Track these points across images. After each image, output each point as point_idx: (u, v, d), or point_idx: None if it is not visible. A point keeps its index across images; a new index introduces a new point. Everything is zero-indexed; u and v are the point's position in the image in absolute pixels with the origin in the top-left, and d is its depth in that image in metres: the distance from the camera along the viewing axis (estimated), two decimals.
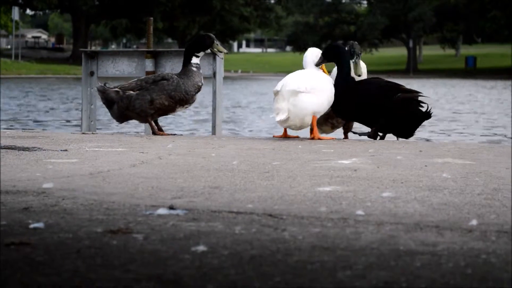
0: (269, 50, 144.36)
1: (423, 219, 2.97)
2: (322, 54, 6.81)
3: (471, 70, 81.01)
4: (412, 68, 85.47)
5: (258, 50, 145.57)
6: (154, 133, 7.02)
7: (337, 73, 6.78)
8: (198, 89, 6.97)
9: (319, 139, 6.59)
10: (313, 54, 6.90)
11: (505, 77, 68.91)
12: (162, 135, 6.95)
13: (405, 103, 6.58)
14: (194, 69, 6.95)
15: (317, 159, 4.95)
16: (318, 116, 6.64)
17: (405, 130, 6.73)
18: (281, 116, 6.43)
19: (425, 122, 6.82)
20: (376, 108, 6.58)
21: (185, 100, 6.92)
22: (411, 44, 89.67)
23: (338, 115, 6.90)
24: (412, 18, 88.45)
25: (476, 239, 2.67)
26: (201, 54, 7.02)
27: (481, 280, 2.15)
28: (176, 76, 6.93)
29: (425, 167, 4.53)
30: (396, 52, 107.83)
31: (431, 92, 32.59)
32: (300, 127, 6.69)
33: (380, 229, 2.80)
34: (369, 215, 3.05)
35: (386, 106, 6.56)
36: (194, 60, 6.98)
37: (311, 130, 6.70)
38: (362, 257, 2.39)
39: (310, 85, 6.51)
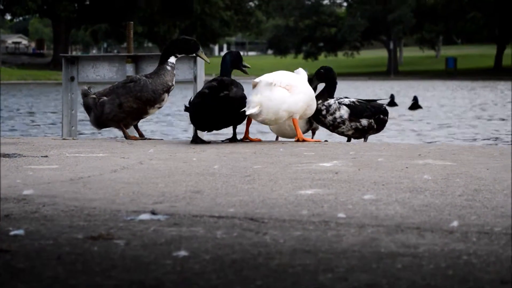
0: (250, 53, 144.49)
1: (404, 221, 2.98)
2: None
3: (451, 71, 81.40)
4: (393, 70, 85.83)
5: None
6: (126, 137, 6.95)
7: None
8: (167, 89, 6.81)
9: (304, 140, 6.59)
10: (301, 73, 6.94)
11: (486, 77, 69.32)
12: (135, 139, 6.86)
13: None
14: (169, 68, 6.82)
15: (299, 162, 4.96)
16: (297, 117, 6.61)
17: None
18: (252, 110, 6.28)
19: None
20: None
21: (153, 100, 6.77)
22: (391, 46, 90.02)
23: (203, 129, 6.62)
24: (392, 20, 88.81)
25: (457, 240, 2.68)
26: (181, 56, 6.93)
27: (462, 281, 2.16)
28: (144, 77, 6.82)
29: (406, 169, 4.54)
30: (377, 54, 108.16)
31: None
32: (274, 122, 6.61)
33: (362, 232, 2.80)
34: (350, 217, 3.05)
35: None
36: (172, 59, 6.85)
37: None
38: (344, 260, 2.39)
39: (287, 82, 6.53)
